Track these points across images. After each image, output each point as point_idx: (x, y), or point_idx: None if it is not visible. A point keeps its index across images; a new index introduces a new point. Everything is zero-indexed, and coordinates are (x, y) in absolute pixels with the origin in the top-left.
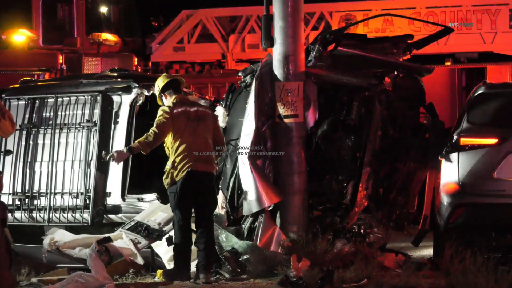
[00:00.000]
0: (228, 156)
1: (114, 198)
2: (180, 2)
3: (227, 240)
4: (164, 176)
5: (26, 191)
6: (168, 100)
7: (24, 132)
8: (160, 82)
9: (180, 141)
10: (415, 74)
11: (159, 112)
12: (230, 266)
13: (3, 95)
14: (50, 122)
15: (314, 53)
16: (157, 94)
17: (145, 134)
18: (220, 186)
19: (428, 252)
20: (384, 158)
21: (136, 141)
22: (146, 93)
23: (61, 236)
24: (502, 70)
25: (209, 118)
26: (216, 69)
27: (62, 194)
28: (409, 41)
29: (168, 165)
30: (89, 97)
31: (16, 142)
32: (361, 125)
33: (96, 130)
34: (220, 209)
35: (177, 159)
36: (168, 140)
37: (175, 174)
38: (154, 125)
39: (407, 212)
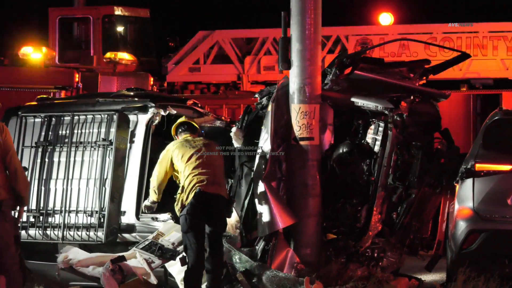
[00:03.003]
0: (243, 177)
1: (128, 217)
2: (197, 22)
3: (241, 261)
4: (175, 203)
5: (41, 208)
6: None
7: (40, 150)
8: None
9: (187, 166)
10: (431, 99)
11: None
12: (243, 287)
13: (19, 112)
14: (66, 140)
15: (330, 76)
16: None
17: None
18: (234, 207)
19: (441, 277)
20: (398, 182)
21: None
22: (162, 113)
23: (75, 254)
24: None
25: (212, 145)
26: (231, 90)
27: (77, 212)
28: (426, 66)
29: (178, 191)
30: (106, 115)
31: (32, 159)
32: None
33: (111, 149)
34: (234, 230)
35: (186, 183)
36: (177, 168)
37: (184, 198)
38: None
39: (421, 236)
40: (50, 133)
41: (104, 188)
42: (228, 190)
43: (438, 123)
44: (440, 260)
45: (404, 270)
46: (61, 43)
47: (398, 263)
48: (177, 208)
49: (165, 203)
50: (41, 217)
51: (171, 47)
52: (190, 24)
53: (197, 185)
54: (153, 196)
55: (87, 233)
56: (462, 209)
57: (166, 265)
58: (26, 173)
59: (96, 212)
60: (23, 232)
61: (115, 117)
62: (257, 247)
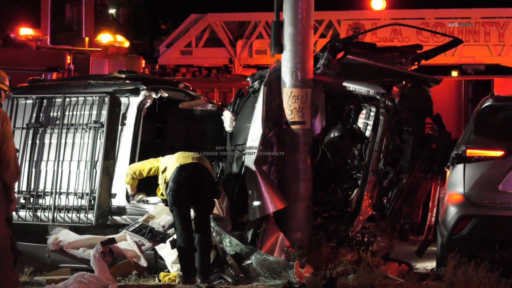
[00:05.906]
0: (234, 161)
1: (119, 199)
2: (189, 5)
3: (231, 244)
4: (160, 185)
5: (31, 190)
6: None
7: (31, 131)
8: None
9: (172, 156)
10: (423, 84)
11: None
12: (233, 271)
13: (11, 94)
14: (57, 122)
15: (323, 61)
16: None
17: None
18: (225, 190)
19: (431, 262)
20: (389, 167)
21: None
22: (154, 95)
23: (65, 236)
24: (509, 82)
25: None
26: (223, 73)
27: (67, 194)
28: (418, 51)
29: (161, 171)
30: (97, 98)
31: (23, 141)
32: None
33: (103, 131)
34: (225, 214)
35: (169, 163)
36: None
37: (166, 178)
38: None
39: (411, 222)
40: (41, 114)
41: (94, 170)
42: (219, 174)
43: (430, 109)
44: (430, 245)
45: (394, 255)
46: (53, 25)
47: (388, 248)
48: (163, 188)
49: (155, 186)
50: (31, 199)
51: (163, 30)
52: (182, 7)
53: (179, 161)
54: (127, 179)
55: (78, 215)
56: (452, 195)
57: (156, 247)
58: (18, 154)
59: (87, 194)
60: (13, 214)
61: (106, 99)
62: (247, 230)
